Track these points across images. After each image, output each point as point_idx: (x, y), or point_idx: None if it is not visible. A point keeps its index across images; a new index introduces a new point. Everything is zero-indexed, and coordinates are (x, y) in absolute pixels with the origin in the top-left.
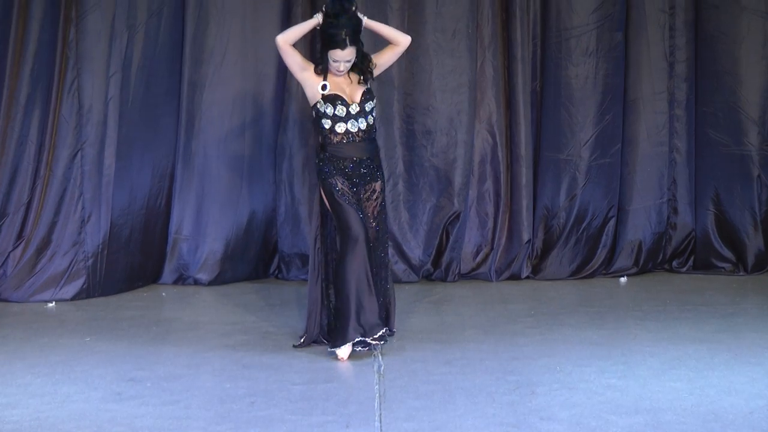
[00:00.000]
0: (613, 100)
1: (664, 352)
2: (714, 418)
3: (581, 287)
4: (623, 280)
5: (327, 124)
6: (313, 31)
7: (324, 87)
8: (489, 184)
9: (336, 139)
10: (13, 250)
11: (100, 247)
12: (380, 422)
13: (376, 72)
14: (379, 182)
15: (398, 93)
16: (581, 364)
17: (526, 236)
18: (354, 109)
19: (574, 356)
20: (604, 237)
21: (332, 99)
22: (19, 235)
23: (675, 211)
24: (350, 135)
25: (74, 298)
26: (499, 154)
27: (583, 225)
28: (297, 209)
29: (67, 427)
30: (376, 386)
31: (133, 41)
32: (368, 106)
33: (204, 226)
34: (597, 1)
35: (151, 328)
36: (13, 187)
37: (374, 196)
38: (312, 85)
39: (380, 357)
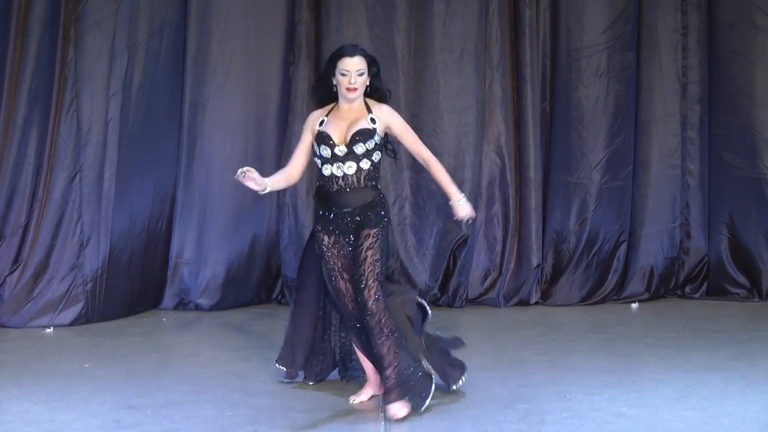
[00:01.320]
0: (624, 122)
1: (677, 379)
2: None
3: (592, 313)
4: (635, 306)
5: (318, 163)
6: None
7: (322, 122)
8: (497, 207)
9: (322, 184)
10: (10, 274)
11: (100, 271)
12: None
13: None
14: (373, 229)
15: (405, 114)
16: (592, 392)
17: (535, 261)
18: (340, 150)
19: (585, 384)
20: (615, 262)
21: (322, 137)
22: (16, 259)
23: (688, 235)
24: (336, 181)
25: (73, 323)
26: (508, 176)
27: (594, 249)
28: (301, 233)
29: None
30: (381, 415)
31: (134, 61)
32: (359, 149)
33: (205, 250)
34: (608, 21)
35: (151, 355)
36: (10, 210)
37: (366, 244)
38: (310, 120)
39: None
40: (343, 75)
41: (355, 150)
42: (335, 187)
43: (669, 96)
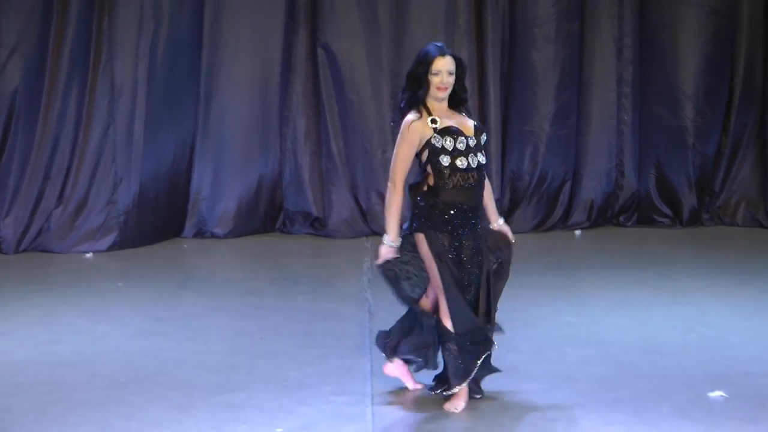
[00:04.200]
0: (570, 80)
1: (612, 293)
2: (654, 349)
3: (542, 239)
4: (578, 233)
5: (446, 160)
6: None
7: (434, 121)
8: None
9: (453, 181)
10: (55, 208)
11: (131, 206)
12: (370, 354)
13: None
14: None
15: (386, 73)
16: (541, 305)
17: (495, 195)
18: (472, 141)
19: (536, 297)
20: (561, 196)
21: (450, 131)
22: (61, 196)
23: (622, 174)
24: (469, 174)
25: (108, 249)
26: None
27: (544, 186)
28: (300, 173)
29: (103, 360)
30: (367, 324)
31: (159, 29)
32: (483, 139)
33: (220, 188)
34: None
35: (174, 275)
36: (55, 155)
37: (480, 247)
38: (418, 129)
39: (370, 299)
40: (435, 74)
41: (481, 141)
42: (467, 182)
43: (607, 58)
